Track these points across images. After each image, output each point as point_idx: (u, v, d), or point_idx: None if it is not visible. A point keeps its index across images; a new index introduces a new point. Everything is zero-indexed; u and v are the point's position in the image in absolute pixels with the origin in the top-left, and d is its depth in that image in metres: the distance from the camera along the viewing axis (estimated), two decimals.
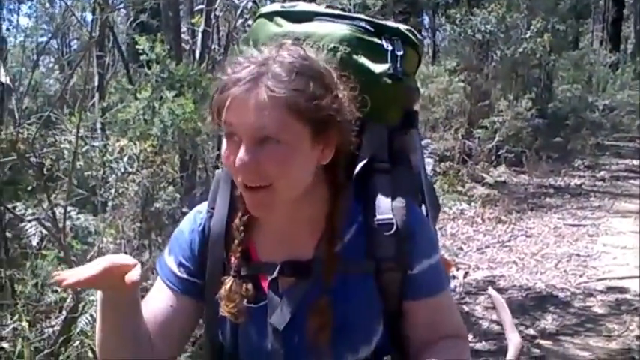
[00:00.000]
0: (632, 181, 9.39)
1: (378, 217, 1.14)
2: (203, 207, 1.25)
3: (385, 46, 1.22)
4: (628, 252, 5.96)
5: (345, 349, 1.15)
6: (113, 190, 3.38)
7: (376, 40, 1.23)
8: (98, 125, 3.91)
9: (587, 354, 3.96)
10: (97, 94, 4.16)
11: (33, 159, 3.05)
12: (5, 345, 2.77)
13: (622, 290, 5.01)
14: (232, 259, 1.16)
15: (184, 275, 1.21)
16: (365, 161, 1.18)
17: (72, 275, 1.00)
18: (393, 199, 1.15)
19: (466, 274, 5.45)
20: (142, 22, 4.78)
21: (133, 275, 1.00)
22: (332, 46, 1.19)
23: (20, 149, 2.91)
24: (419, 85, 1.40)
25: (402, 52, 1.22)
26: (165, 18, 5.49)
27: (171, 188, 3.67)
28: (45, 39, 5.14)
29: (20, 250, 3.48)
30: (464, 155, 9.15)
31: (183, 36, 5.05)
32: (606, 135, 12.75)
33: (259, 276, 1.17)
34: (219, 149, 4.43)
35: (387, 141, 1.22)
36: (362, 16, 1.28)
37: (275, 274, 1.15)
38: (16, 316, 2.89)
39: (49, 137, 3.47)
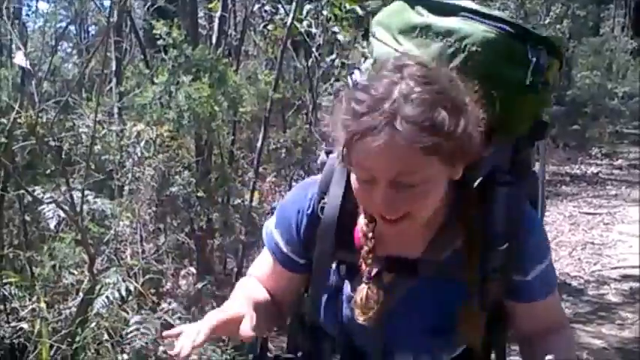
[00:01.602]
0: None
1: (491, 229, 1.13)
2: (312, 188, 1.23)
3: (530, 56, 1.13)
4: None
5: (442, 350, 1.22)
6: (130, 174, 3.41)
7: (520, 47, 1.13)
8: (115, 110, 3.95)
9: (600, 342, 3.96)
10: (114, 79, 4.19)
11: (51, 143, 3.09)
12: (24, 325, 2.83)
13: (637, 279, 4.99)
14: (363, 266, 1.16)
15: (289, 253, 1.25)
16: (487, 172, 1.14)
17: (184, 343, 1.02)
18: (508, 213, 1.13)
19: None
20: (159, 7, 4.78)
21: (247, 331, 1.04)
22: (474, 49, 1.11)
23: (39, 133, 2.94)
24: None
25: (545, 64, 1.14)
26: (182, 3, 5.50)
27: (186, 173, 3.70)
28: (64, 24, 5.16)
29: (38, 233, 3.55)
30: None
31: (200, 21, 5.06)
32: (625, 123, 12.60)
33: (360, 267, 1.18)
34: (234, 134, 4.45)
35: (511, 152, 1.18)
36: (507, 17, 1.18)
37: (380, 267, 1.16)
38: (35, 298, 2.94)
39: (68, 121, 3.52)
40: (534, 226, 1.18)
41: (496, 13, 1.17)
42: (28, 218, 3.46)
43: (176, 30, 3.71)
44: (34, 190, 3.02)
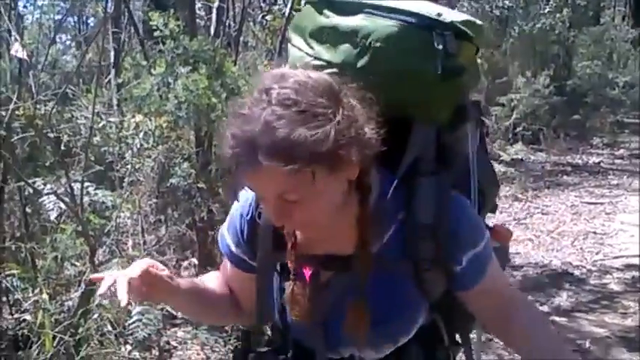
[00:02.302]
0: None
1: (418, 220, 1.14)
2: (251, 192, 1.24)
3: (435, 44, 1.12)
4: None
5: (383, 342, 1.22)
6: (129, 166, 3.40)
7: (426, 36, 1.12)
8: (114, 101, 3.94)
9: (602, 331, 3.95)
10: (112, 71, 4.18)
11: (50, 134, 3.08)
12: (27, 317, 2.83)
13: (639, 268, 4.97)
14: (289, 263, 1.20)
15: (239, 254, 1.28)
16: (409, 163, 1.14)
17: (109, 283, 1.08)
18: (435, 201, 1.14)
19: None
20: None
21: (123, 299, 1.05)
22: (378, 45, 1.12)
23: (38, 125, 2.94)
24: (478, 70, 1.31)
25: (453, 49, 1.12)
26: None
27: (186, 164, 3.69)
28: (61, 16, 5.14)
29: (39, 224, 3.54)
30: None
31: (198, 12, 5.04)
32: (626, 112, 12.56)
33: (302, 268, 1.21)
34: None
35: (434, 140, 1.17)
36: (415, 7, 1.15)
37: (317, 265, 1.20)
38: (37, 289, 2.94)
39: (66, 113, 3.51)
40: (463, 214, 1.17)
41: (402, 5, 1.15)
42: (28, 210, 3.46)
43: (173, 21, 3.69)
44: (34, 182, 3.01)
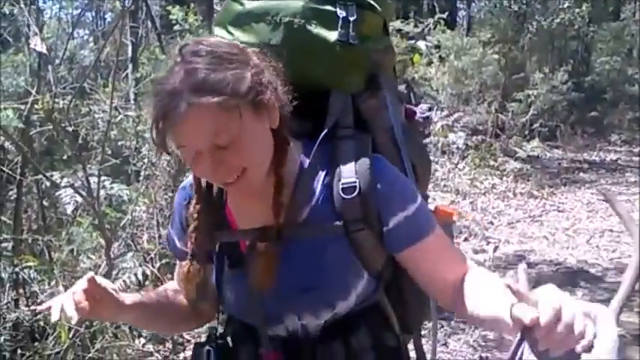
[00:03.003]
0: None
1: (342, 180, 1.17)
2: (188, 180, 1.31)
3: (338, 13, 1.22)
4: None
5: (320, 307, 1.21)
6: (146, 160, 3.43)
7: (329, 7, 1.23)
8: (131, 95, 3.96)
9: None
10: (130, 65, 4.20)
11: (68, 128, 3.10)
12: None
13: None
14: (188, 243, 1.23)
15: (182, 247, 1.30)
16: (328, 128, 1.21)
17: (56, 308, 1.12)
18: (356, 163, 1.18)
19: (496, 248, 5.43)
20: None
21: (73, 316, 1.10)
22: (287, 20, 1.22)
23: (56, 119, 2.96)
24: (392, 46, 1.39)
25: (354, 17, 1.22)
26: None
27: None
28: (79, 11, 5.18)
29: (56, 217, 3.58)
30: (497, 129, 9.03)
31: (215, 7, 5.05)
32: None
33: (239, 242, 1.24)
34: None
35: (351, 106, 1.24)
36: None
37: (250, 239, 1.21)
38: (53, 282, 2.97)
39: (84, 107, 3.54)
40: (386, 174, 1.20)
41: None
42: (46, 203, 3.50)
43: (192, 15, 3.71)
44: (51, 176, 3.05)
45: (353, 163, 1.18)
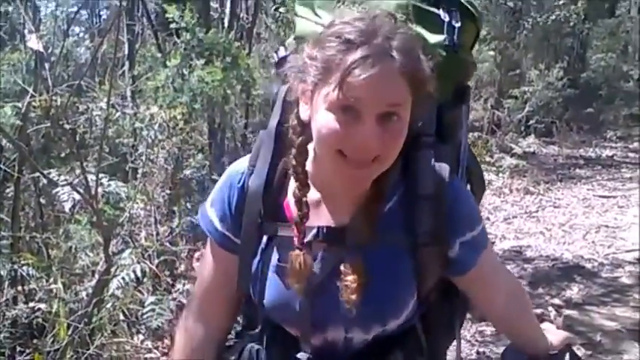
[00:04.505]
0: None
1: (420, 191, 1.13)
2: (243, 163, 1.21)
3: (442, 17, 1.18)
4: None
5: (373, 321, 1.16)
6: (143, 157, 3.43)
7: (434, 9, 1.18)
8: (128, 93, 3.96)
9: (614, 324, 3.95)
10: (127, 63, 4.20)
11: (66, 126, 3.10)
12: (42, 305, 2.87)
13: None
14: (295, 232, 1.13)
15: (224, 230, 1.21)
16: (413, 135, 1.12)
17: None
18: (435, 174, 1.13)
19: (492, 244, 5.44)
20: None
21: None
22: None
23: (53, 116, 2.96)
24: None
25: (459, 24, 1.18)
26: None
27: (200, 155, 3.72)
28: (75, 9, 5.18)
29: (54, 215, 3.58)
30: (493, 125, 9.05)
31: (212, 4, 5.05)
32: None
33: (292, 238, 1.14)
34: (247, 117, 4.46)
35: (435, 115, 1.18)
36: None
37: (310, 237, 1.13)
38: (51, 279, 2.98)
39: (81, 105, 3.54)
40: (461, 193, 1.18)
41: None
42: (43, 201, 3.50)
43: (188, 13, 3.71)
44: (49, 173, 3.04)
45: (430, 174, 1.13)
